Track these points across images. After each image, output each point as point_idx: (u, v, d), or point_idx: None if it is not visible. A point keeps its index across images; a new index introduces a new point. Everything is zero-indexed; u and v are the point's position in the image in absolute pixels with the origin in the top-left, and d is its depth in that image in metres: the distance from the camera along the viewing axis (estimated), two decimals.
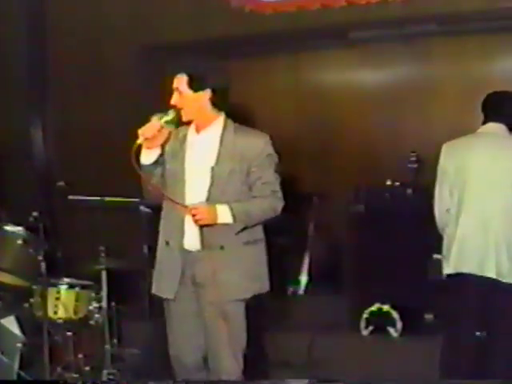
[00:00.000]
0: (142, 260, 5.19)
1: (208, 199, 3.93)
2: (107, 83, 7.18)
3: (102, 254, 5.18)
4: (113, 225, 5.62)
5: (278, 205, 4.07)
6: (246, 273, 4.04)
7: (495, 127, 4.52)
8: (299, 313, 6.30)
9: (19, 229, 5.13)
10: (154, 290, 4.18)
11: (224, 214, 3.89)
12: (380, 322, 6.19)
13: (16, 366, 4.84)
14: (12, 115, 7.46)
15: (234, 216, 3.90)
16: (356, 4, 6.23)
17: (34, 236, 5.00)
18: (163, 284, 4.10)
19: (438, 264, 4.69)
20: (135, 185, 6.68)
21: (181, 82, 3.98)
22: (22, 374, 4.86)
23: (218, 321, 3.96)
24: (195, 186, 3.98)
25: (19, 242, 5.09)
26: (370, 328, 6.21)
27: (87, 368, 5.21)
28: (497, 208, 4.28)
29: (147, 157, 4.02)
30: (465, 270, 4.32)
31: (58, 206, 6.61)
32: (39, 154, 7.56)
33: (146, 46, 7.02)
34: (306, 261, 6.85)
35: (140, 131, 3.94)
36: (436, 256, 4.73)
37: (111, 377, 5.12)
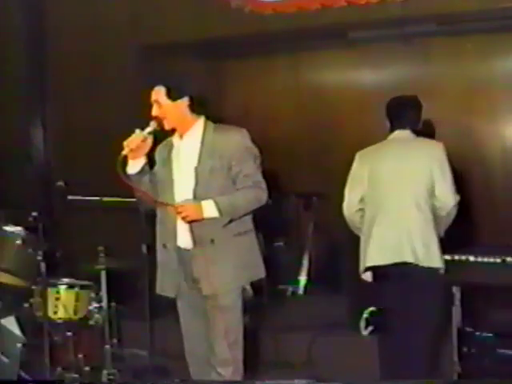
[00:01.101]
0: (141, 260, 5.17)
1: (194, 197, 4.10)
2: (107, 83, 7.17)
3: (102, 254, 5.18)
4: (112, 225, 5.63)
5: (262, 195, 4.21)
6: (238, 262, 4.19)
7: (402, 134, 4.84)
8: (299, 313, 6.31)
9: (18, 229, 5.13)
10: (158, 291, 4.37)
11: (209, 209, 4.04)
12: (379, 322, 6.19)
13: (16, 366, 4.84)
14: (12, 115, 7.46)
15: (219, 210, 4.05)
16: (356, 4, 6.22)
17: (34, 236, 4.99)
18: (165, 284, 4.30)
19: None
20: None
21: (159, 93, 4.17)
22: (23, 373, 4.86)
23: (215, 313, 4.13)
24: (182, 186, 4.17)
25: (18, 242, 5.09)
26: (370, 328, 6.21)
27: (87, 368, 5.20)
28: (410, 204, 4.60)
29: (133, 167, 4.19)
30: (385, 262, 4.63)
31: (58, 206, 6.61)
32: (39, 154, 7.56)
33: (146, 46, 7.01)
34: (306, 261, 6.87)
35: (125, 143, 4.12)
36: None
37: (111, 377, 5.12)
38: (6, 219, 5.32)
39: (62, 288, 5.20)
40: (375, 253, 4.68)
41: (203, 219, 4.04)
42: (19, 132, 7.49)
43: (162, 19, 6.94)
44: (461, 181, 6.98)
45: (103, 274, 5.17)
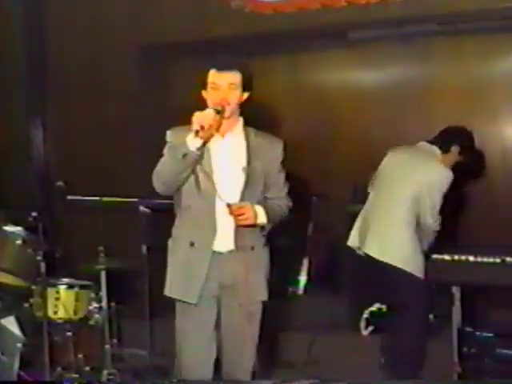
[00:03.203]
0: (141, 260, 5.17)
1: (241, 199, 3.90)
2: (107, 83, 7.17)
3: (102, 254, 5.18)
4: (112, 225, 5.62)
5: (287, 209, 4.15)
6: (266, 274, 4.09)
7: (425, 146, 5.16)
8: (299, 313, 6.30)
9: (18, 229, 5.13)
10: (173, 294, 4.01)
11: (261, 215, 3.90)
12: (380, 322, 6.19)
13: (16, 366, 4.83)
14: (11, 115, 7.46)
15: (268, 217, 3.93)
16: (356, 4, 6.22)
17: (34, 236, 4.99)
18: (187, 288, 3.95)
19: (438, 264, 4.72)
20: (134, 185, 6.70)
21: (236, 78, 3.93)
22: (22, 374, 4.85)
23: (244, 322, 3.94)
24: (226, 186, 3.91)
25: (18, 242, 5.09)
26: (370, 328, 6.21)
27: (87, 368, 5.20)
28: (395, 208, 4.99)
29: (195, 145, 3.78)
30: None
31: (57, 206, 6.61)
32: (38, 153, 7.55)
33: (145, 46, 7.01)
34: (306, 261, 6.86)
35: (195, 118, 3.76)
36: (435, 256, 4.75)
37: (111, 377, 5.12)
38: (5, 219, 5.32)
39: (62, 288, 5.20)
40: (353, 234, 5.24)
41: (254, 225, 3.91)
42: (19, 132, 7.48)
43: (161, 19, 6.93)
44: (461, 181, 7.03)
45: (103, 274, 5.17)
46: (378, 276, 5.04)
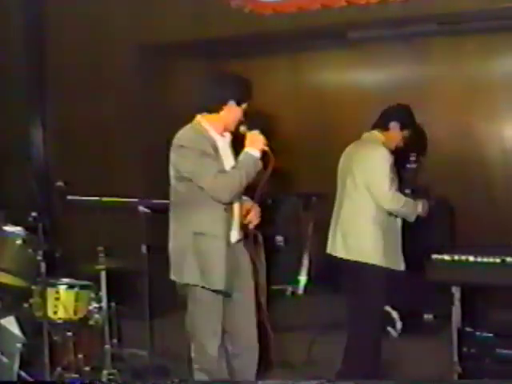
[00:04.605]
0: (141, 260, 5.18)
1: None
2: (107, 83, 7.17)
3: (101, 254, 5.18)
4: (112, 225, 5.63)
5: None
6: None
7: (366, 135, 5.05)
8: (299, 313, 6.31)
9: (18, 229, 5.13)
10: (198, 282, 4.31)
11: None
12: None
13: (16, 366, 4.83)
14: (11, 115, 7.46)
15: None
16: (356, 4, 6.21)
17: (34, 236, 4.99)
18: (214, 275, 4.29)
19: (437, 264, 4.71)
20: (134, 185, 6.71)
21: None
22: (23, 374, 4.85)
23: (253, 306, 4.55)
24: None
25: (18, 242, 5.09)
26: None
27: (87, 368, 5.20)
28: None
29: (258, 157, 4.40)
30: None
31: (57, 206, 6.61)
32: (38, 153, 7.55)
33: (145, 46, 7.01)
34: (306, 261, 6.87)
35: (262, 141, 4.32)
36: (435, 256, 4.74)
37: (111, 377, 5.12)
38: (5, 219, 5.32)
39: (62, 288, 5.20)
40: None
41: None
42: (19, 132, 7.48)
43: (161, 19, 6.93)
44: (461, 180, 7.03)
45: (103, 274, 5.17)
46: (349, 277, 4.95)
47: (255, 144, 4.29)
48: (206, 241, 4.29)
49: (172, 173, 4.36)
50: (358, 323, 4.89)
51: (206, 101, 4.44)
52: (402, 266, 4.89)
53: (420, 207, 4.92)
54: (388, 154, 4.78)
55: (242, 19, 6.62)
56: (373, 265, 4.74)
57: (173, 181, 4.38)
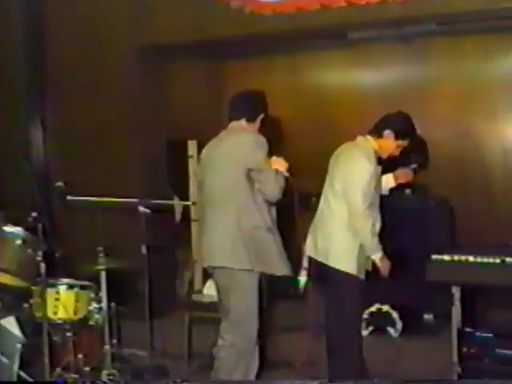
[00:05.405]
0: (140, 260, 5.17)
1: None
2: (107, 83, 7.17)
3: (101, 255, 5.17)
4: (112, 225, 5.60)
5: None
6: None
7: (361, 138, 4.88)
8: (299, 313, 6.29)
9: (18, 229, 5.12)
10: (271, 271, 4.65)
11: None
12: (380, 323, 6.20)
13: (16, 366, 4.83)
14: (11, 115, 7.46)
15: None
16: (355, 4, 6.21)
17: (33, 236, 4.98)
18: (279, 263, 4.66)
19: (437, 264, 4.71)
20: (134, 185, 6.71)
21: None
22: (22, 374, 4.85)
23: None
24: None
25: (18, 242, 5.07)
26: (370, 328, 6.22)
27: (87, 368, 5.19)
28: None
29: None
30: None
31: (57, 207, 6.61)
32: (38, 154, 7.55)
33: (145, 46, 7.01)
34: (306, 261, 6.85)
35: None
36: (435, 256, 4.74)
37: (111, 377, 5.11)
38: (5, 219, 5.31)
39: (62, 288, 5.19)
40: None
41: None
42: (18, 132, 7.48)
43: (161, 19, 6.93)
44: (460, 180, 7.04)
45: (103, 275, 5.16)
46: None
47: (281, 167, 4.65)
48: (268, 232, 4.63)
49: None
50: (332, 324, 4.85)
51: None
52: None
53: (379, 254, 4.67)
54: (368, 167, 4.61)
55: (242, 19, 6.61)
56: (338, 270, 4.67)
57: None
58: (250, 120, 4.75)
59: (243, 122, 4.74)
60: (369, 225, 4.57)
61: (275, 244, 4.62)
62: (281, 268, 4.65)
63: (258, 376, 4.66)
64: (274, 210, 4.72)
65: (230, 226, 4.52)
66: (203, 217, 4.74)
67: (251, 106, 4.81)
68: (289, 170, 4.63)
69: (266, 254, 4.57)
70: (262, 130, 4.72)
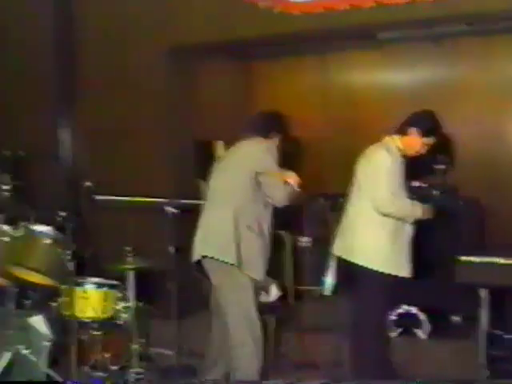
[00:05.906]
0: (168, 260, 5.19)
1: None
2: (134, 84, 7.20)
3: (129, 254, 5.20)
4: (139, 225, 5.65)
5: None
6: None
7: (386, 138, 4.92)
8: (325, 314, 6.29)
9: (48, 228, 5.15)
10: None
11: None
12: (407, 324, 6.17)
13: (44, 364, 4.87)
14: (40, 116, 7.51)
15: None
16: (384, 4, 6.18)
17: (62, 236, 5.02)
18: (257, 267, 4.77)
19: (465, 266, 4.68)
20: (161, 185, 6.72)
21: None
22: (51, 372, 4.88)
23: None
24: None
25: (48, 241, 5.11)
26: (399, 330, 6.19)
27: (114, 367, 5.22)
28: None
29: None
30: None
31: (85, 207, 6.64)
32: (67, 154, 7.60)
33: (173, 47, 7.03)
34: (333, 262, 6.84)
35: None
36: (463, 258, 4.70)
37: (138, 376, 5.14)
38: (35, 219, 5.35)
39: (90, 287, 5.21)
40: None
41: None
42: (48, 133, 7.54)
43: (189, 20, 6.95)
44: (491, 181, 6.98)
45: (131, 274, 5.19)
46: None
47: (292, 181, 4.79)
48: None
49: None
50: (357, 325, 4.85)
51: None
52: (404, 272, 4.74)
53: (419, 212, 4.74)
54: (388, 159, 4.67)
55: (270, 20, 6.61)
56: (368, 268, 4.68)
57: None
58: (264, 137, 4.89)
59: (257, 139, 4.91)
60: (396, 202, 4.63)
61: (263, 249, 4.75)
62: (257, 273, 4.75)
63: (283, 376, 4.67)
64: (270, 217, 4.81)
65: (227, 222, 4.66)
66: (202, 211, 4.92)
67: (263, 125, 4.96)
68: (300, 185, 4.76)
69: (249, 255, 4.67)
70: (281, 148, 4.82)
